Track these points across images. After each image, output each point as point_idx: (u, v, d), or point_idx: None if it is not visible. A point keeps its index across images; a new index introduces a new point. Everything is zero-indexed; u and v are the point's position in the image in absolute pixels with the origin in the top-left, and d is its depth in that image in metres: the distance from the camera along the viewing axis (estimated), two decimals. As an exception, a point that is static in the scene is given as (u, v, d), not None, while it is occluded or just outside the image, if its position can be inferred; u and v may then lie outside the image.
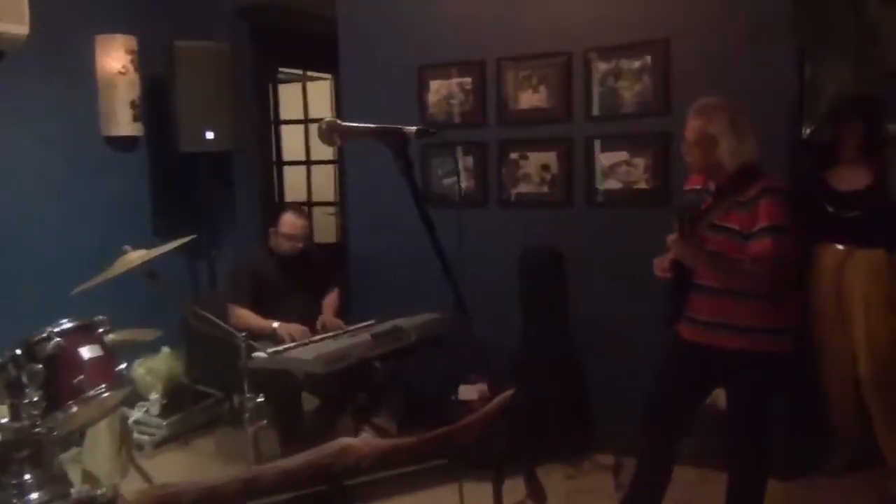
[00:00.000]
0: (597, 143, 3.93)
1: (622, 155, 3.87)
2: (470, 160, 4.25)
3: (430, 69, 4.30)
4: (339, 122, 1.56)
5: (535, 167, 4.08)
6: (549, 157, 4.04)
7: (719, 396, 2.86)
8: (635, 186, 3.84)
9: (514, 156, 4.13)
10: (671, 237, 2.64)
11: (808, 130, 4.16)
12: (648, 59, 3.75)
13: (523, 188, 4.12)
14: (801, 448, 3.68)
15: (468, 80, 4.20)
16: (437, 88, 4.29)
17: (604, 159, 3.92)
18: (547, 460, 3.73)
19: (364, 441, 1.14)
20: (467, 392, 3.93)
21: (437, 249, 1.53)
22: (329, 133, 1.56)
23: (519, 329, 4.07)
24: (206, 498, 1.05)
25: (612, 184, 3.90)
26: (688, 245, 2.53)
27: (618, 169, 3.89)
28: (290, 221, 4.07)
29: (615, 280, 3.89)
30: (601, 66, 3.87)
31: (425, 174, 4.30)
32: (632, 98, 3.82)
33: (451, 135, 4.16)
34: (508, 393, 1.22)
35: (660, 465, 2.86)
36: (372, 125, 1.54)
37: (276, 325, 3.84)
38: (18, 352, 2.43)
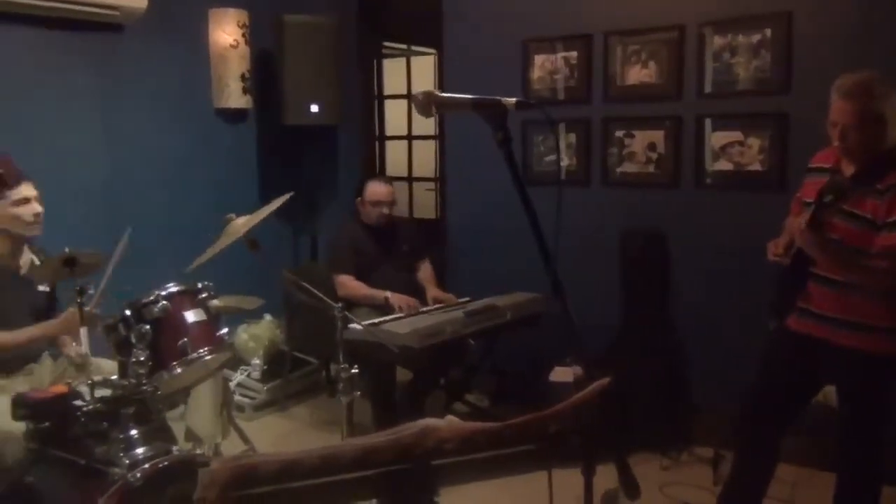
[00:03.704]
0: (708, 122, 3.75)
1: (735, 135, 3.67)
2: (573, 137, 4.14)
3: (534, 43, 4.21)
4: (436, 92, 1.53)
5: (642, 146, 3.93)
6: (657, 136, 3.89)
7: (830, 394, 2.70)
8: (748, 168, 3.65)
9: (619, 134, 4.00)
10: (792, 220, 2.47)
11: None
12: (768, 32, 3.53)
13: (628, 167, 3.99)
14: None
15: (573, 54, 4.09)
16: (542, 63, 4.20)
17: (715, 139, 3.73)
18: (642, 450, 3.62)
19: (448, 423, 1.11)
20: (561, 374, 3.85)
21: (534, 228, 1.48)
22: (426, 104, 1.53)
23: (617, 313, 3.96)
24: (283, 471, 1.05)
25: (723, 165, 3.72)
26: (817, 235, 2.35)
27: (730, 149, 3.70)
28: (374, 188, 4.11)
29: (721, 266, 3.72)
30: (716, 41, 3.68)
31: (526, 151, 4.23)
32: (748, 75, 3.61)
33: (554, 111, 4.07)
34: (606, 379, 1.16)
35: (762, 461, 2.72)
36: (470, 96, 1.50)
37: (388, 294, 3.88)
38: (128, 313, 2.54)
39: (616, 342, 3.92)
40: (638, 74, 3.91)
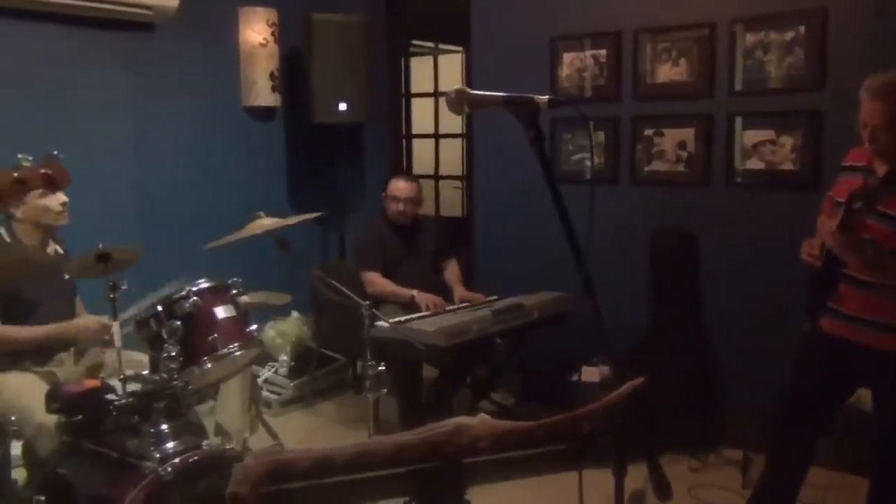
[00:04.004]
0: (739, 121, 3.70)
1: (767, 133, 3.63)
2: (601, 136, 4.11)
3: (562, 41, 4.19)
4: (468, 90, 1.52)
5: (671, 144, 3.90)
6: (687, 134, 3.85)
7: (864, 396, 2.65)
8: (780, 167, 3.60)
9: (648, 132, 3.97)
10: (823, 220, 2.43)
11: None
12: (802, 29, 3.48)
13: (657, 166, 3.96)
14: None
15: (602, 52, 4.06)
16: (570, 61, 4.17)
17: (746, 138, 3.69)
18: (670, 451, 3.59)
19: (482, 421, 1.11)
20: (589, 374, 3.84)
21: (565, 226, 1.47)
22: (458, 101, 1.52)
23: (645, 313, 3.93)
24: (317, 467, 1.05)
25: (755, 164, 3.67)
26: (849, 237, 2.31)
27: (761, 148, 3.65)
28: (394, 183, 4.13)
29: (752, 266, 3.68)
30: (748, 38, 3.63)
31: (555, 149, 4.21)
32: (780, 72, 3.56)
33: (583, 109, 4.03)
34: (640, 379, 1.15)
35: (793, 465, 2.68)
36: (502, 93, 1.49)
37: (414, 292, 3.89)
38: (159, 308, 2.57)
39: (644, 342, 3.89)
40: (668, 72, 3.87)
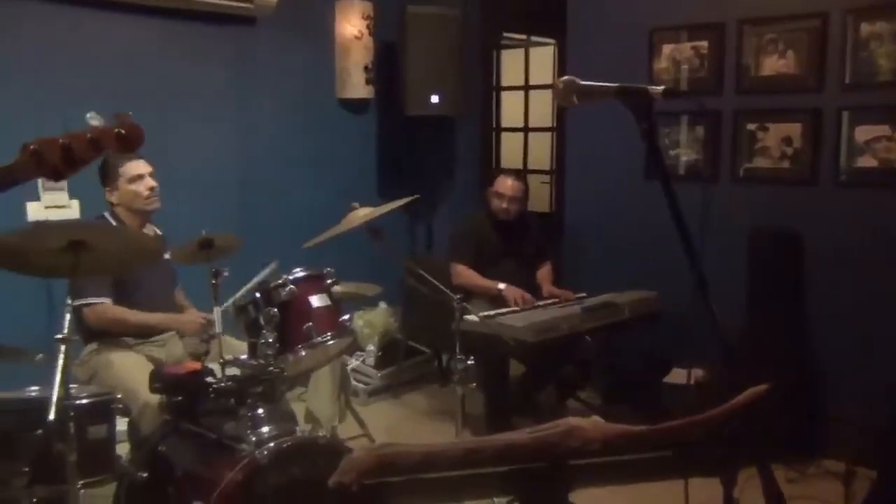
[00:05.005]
0: (849, 116, 3.51)
1: (882, 129, 3.42)
2: (700, 131, 3.98)
3: (662, 32, 4.07)
4: (577, 80, 1.48)
5: (776, 140, 3.73)
6: (793, 130, 3.68)
7: None
8: (896, 165, 3.40)
9: (751, 127, 3.81)
10: None
11: None
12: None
13: (760, 162, 3.79)
14: None
15: (704, 44, 3.92)
16: (670, 53, 4.05)
17: (858, 133, 3.49)
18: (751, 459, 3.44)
19: (594, 423, 1.07)
20: (680, 376, 3.73)
21: (678, 223, 1.41)
22: (567, 92, 1.48)
23: (743, 316, 3.78)
24: (426, 462, 1.04)
25: (867, 161, 3.47)
26: None
27: (875, 145, 3.45)
28: (501, 180, 4.04)
29: (860, 269, 3.49)
30: (863, 28, 3.43)
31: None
32: (892, 64, 3.35)
33: (680, 103, 3.91)
34: (763, 387, 1.09)
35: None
36: (614, 84, 1.44)
37: (502, 286, 3.85)
38: (258, 295, 2.62)
39: (742, 346, 3.74)
40: (774, 65, 3.71)
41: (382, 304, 4.66)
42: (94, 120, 1.64)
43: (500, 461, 1.05)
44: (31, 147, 1.46)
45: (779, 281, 3.73)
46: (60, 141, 1.48)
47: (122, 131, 1.55)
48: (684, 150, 4.03)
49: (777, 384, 1.19)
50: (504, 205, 4.01)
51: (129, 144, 1.58)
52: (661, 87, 1.41)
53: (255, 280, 2.77)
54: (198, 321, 2.98)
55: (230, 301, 2.72)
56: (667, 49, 4.06)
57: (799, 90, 3.64)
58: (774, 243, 3.72)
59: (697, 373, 3.69)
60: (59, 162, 1.49)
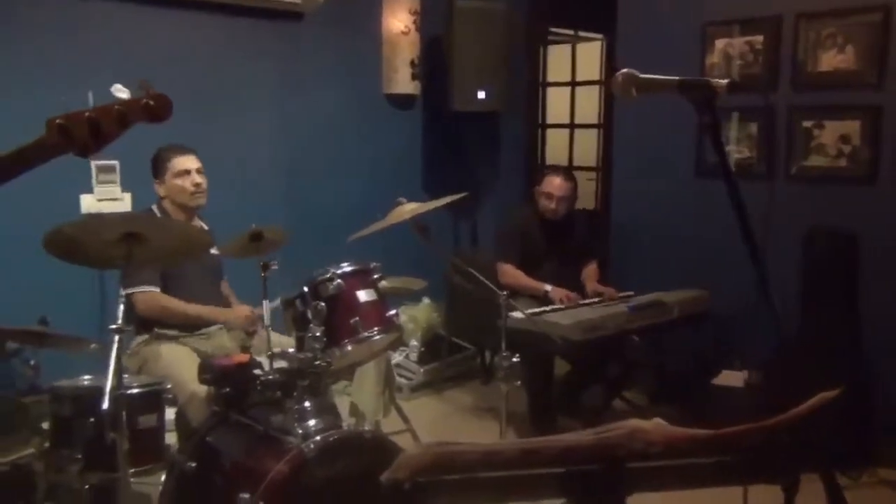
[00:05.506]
0: (913, 113, 3.40)
1: (947, 127, 3.31)
2: (753, 127, 3.88)
3: (715, 26, 3.98)
4: (638, 74, 1.44)
5: (833, 138, 3.63)
6: (851, 127, 3.57)
7: None
8: (961, 164, 3.27)
9: (807, 124, 3.71)
10: None
11: None
12: None
13: (815, 161, 3.69)
14: None
15: (759, 38, 3.82)
16: (723, 48, 3.96)
17: (922, 132, 3.38)
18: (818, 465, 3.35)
19: (657, 426, 1.04)
20: (730, 378, 3.65)
21: (741, 220, 1.36)
22: (626, 85, 1.45)
23: (797, 318, 3.68)
24: (482, 461, 1.02)
25: (931, 160, 3.36)
26: None
27: (940, 143, 3.33)
28: (552, 181, 3.96)
29: (922, 272, 3.37)
30: (928, 22, 3.32)
31: (702, 141, 4.01)
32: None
33: (730, 99, 3.81)
34: (833, 392, 1.05)
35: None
36: (677, 77, 1.40)
37: (548, 288, 3.80)
38: (305, 289, 2.63)
39: (795, 349, 3.64)
40: (833, 60, 3.60)
41: (426, 300, 4.66)
42: (120, 92, 1.58)
43: (558, 462, 1.02)
44: (58, 122, 1.41)
45: (833, 284, 3.62)
46: (87, 115, 1.44)
47: (151, 102, 1.52)
48: (735, 147, 3.94)
49: (843, 390, 1.15)
50: (553, 205, 3.94)
51: (157, 114, 1.53)
52: (726, 81, 1.37)
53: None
54: (245, 313, 3.00)
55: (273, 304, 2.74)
56: (720, 44, 3.97)
57: (858, 86, 3.53)
58: (829, 245, 3.61)
59: (749, 375, 3.61)
60: (86, 136, 1.45)
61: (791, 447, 1.19)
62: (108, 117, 1.47)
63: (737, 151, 3.94)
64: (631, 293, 3.87)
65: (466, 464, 1.04)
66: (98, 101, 1.47)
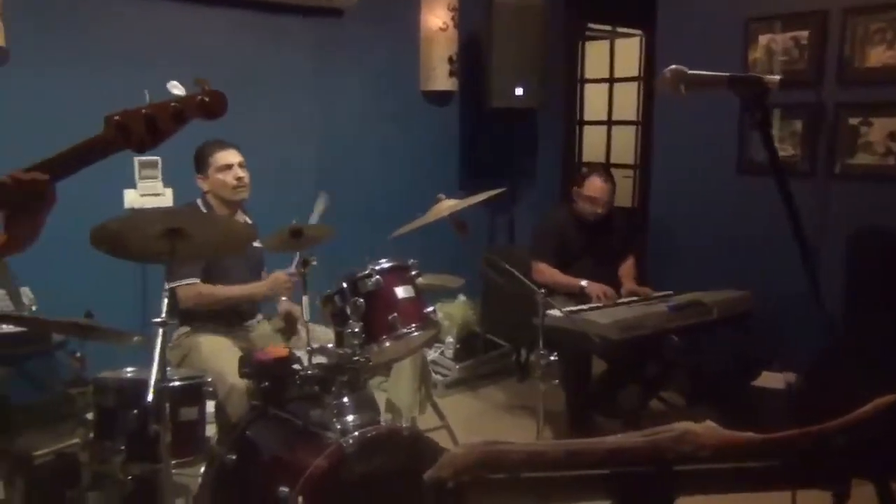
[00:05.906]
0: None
1: None
2: (797, 124, 3.80)
3: (759, 22, 3.90)
4: (686, 70, 1.42)
5: (881, 135, 3.54)
6: (900, 124, 3.48)
7: None
8: None
9: (853, 121, 3.62)
10: None
11: None
12: None
13: (862, 159, 3.61)
14: None
15: (804, 33, 3.75)
16: (766, 43, 3.88)
17: (974, 129, 3.28)
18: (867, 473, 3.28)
19: (707, 428, 1.02)
20: (771, 379, 3.59)
21: (792, 218, 1.33)
22: (674, 81, 1.42)
23: (842, 320, 3.60)
24: (530, 461, 1.01)
25: (983, 158, 3.26)
26: None
27: None
28: (594, 184, 3.90)
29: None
30: (983, 16, 3.22)
31: (743, 138, 3.94)
32: None
33: (773, 96, 3.74)
34: (891, 398, 1.02)
35: None
36: (727, 73, 1.38)
37: (584, 283, 3.77)
38: (344, 285, 2.64)
39: (839, 352, 3.57)
40: (881, 56, 3.51)
41: (462, 297, 4.65)
42: (175, 89, 1.59)
43: (604, 464, 1.01)
44: (116, 119, 1.43)
45: (881, 285, 3.54)
46: (144, 112, 1.45)
47: (206, 98, 1.51)
48: (779, 144, 3.86)
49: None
50: (597, 209, 3.89)
51: (212, 111, 1.52)
52: (778, 77, 1.34)
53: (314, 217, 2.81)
54: (281, 277, 2.99)
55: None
56: (763, 39, 3.90)
57: (908, 82, 3.44)
58: (878, 244, 3.53)
59: (790, 377, 3.55)
60: (143, 133, 1.45)
61: (844, 453, 1.16)
62: (164, 114, 1.47)
63: (780, 149, 3.86)
64: (669, 292, 3.82)
65: (511, 464, 1.03)
66: (153, 98, 1.47)
